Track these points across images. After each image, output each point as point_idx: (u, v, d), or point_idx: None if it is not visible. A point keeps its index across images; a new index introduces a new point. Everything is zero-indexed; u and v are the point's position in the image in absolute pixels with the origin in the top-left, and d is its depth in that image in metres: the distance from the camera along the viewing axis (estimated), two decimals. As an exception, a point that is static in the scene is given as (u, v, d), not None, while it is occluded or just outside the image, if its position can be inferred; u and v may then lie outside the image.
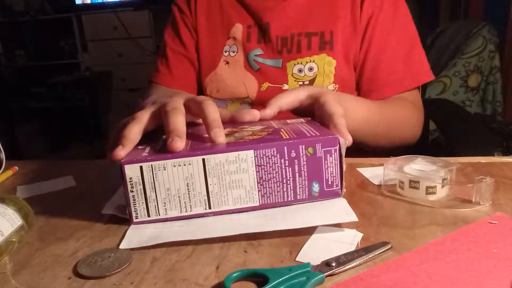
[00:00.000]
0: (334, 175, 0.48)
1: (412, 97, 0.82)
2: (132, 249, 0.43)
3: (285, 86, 0.83)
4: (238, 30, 0.85)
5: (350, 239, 0.42)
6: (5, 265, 0.42)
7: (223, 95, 0.86)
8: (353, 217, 0.44)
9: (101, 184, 0.61)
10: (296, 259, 0.39)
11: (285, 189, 0.47)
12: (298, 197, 0.48)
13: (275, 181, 0.47)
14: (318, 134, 0.48)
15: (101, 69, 3.21)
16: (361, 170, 0.60)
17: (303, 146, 0.46)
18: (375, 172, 0.58)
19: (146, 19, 3.04)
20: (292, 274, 0.36)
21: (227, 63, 0.86)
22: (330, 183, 0.48)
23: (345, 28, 0.81)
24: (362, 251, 0.39)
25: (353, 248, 0.40)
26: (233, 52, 0.86)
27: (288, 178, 0.47)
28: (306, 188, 0.48)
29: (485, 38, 1.70)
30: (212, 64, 0.87)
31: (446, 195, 0.50)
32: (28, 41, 3.51)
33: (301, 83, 0.82)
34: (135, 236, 0.45)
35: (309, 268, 0.37)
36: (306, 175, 0.47)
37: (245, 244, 0.43)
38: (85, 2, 3.21)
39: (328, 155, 0.47)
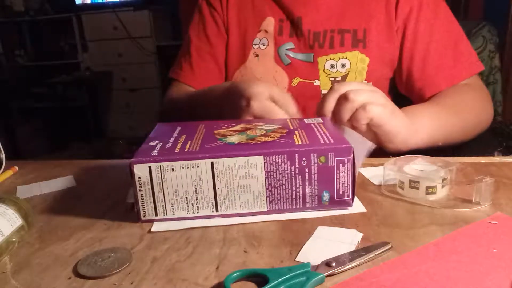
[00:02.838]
0: (346, 185, 0.47)
1: (469, 81, 0.79)
2: (132, 249, 0.43)
3: (317, 82, 0.82)
4: (270, 23, 0.85)
5: (350, 239, 0.42)
6: (5, 265, 0.42)
7: None
8: (361, 208, 0.47)
9: (101, 184, 0.61)
10: (296, 259, 0.39)
11: (294, 197, 0.47)
12: (307, 205, 0.47)
13: (284, 188, 0.46)
14: (332, 141, 0.47)
15: (101, 69, 3.21)
16: (361, 170, 0.60)
17: (315, 155, 0.45)
18: (375, 172, 0.58)
19: (146, 19, 3.03)
20: (292, 274, 0.36)
21: (257, 55, 0.85)
22: (341, 193, 0.47)
23: (380, 26, 0.80)
24: (362, 251, 0.39)
25: (353, 248, 0.40)
26: (263, 45, 0.85)
27: (297, 186, 0.46)
28: (316, 197, 0.47)
29: (485, 38, 1.70)
30: (241, 58, 0.86)
31: (446, 195, 0.50)
32: (28, 41, 3.51)
33: (332, 79, 0.81)
34: (164, 220, 0.47)
35: (309, 268, 0.37)
36: (316, 184, 0.46)
37: (245, 244, 0.43)
38: (85, 2, 3.20)
39: (341, 164, 0.46)
